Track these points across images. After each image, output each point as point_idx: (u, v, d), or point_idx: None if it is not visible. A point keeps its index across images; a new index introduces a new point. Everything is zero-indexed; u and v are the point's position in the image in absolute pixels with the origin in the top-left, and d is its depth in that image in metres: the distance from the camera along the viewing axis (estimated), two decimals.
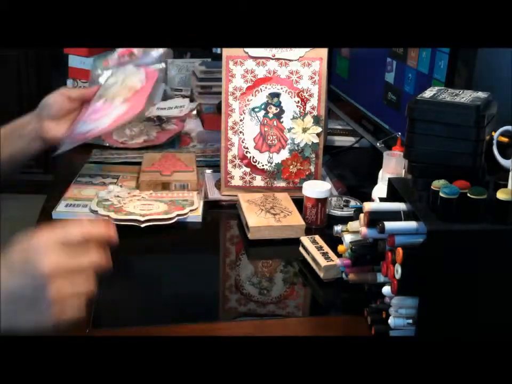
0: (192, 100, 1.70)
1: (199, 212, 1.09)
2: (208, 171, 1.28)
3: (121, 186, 1.16)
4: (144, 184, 1.17)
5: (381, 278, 0.78)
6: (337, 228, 0.86)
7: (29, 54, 2.97)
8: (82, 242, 0.71)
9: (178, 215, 1.05)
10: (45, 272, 0.68)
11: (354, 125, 1.42)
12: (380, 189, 0.99)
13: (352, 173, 1.36)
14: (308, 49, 1.15)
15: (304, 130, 1.16)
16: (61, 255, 0.70)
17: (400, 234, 0.73)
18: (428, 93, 0.79)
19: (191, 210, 1.08)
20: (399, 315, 0.73)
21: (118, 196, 1.11)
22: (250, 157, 1.18)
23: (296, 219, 1.04)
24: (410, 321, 0.72)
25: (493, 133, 0.79)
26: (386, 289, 0.74)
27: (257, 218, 1.03)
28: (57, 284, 0.69)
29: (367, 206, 0.76)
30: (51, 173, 2.23)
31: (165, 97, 1.66)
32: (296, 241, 0.98)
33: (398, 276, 0.71)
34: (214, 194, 1.18)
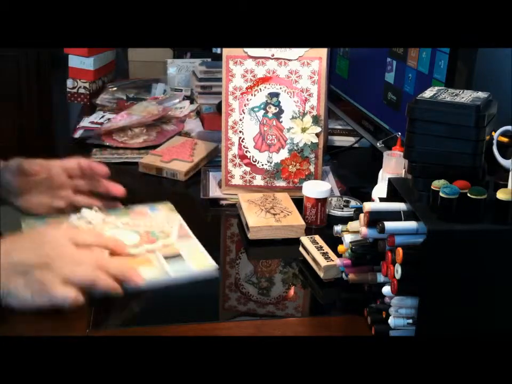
0: (192, 100, 1.70)
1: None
2: (210, 172, 1.28)
3: (96, 211, 0.97)
4: (141, 166, 1.28)
5: (381, 278, 0.78)
6: (337, 228, 0.86)
7: (29, 54, 2.97)
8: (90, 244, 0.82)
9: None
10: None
11: (354, 125, 1.42)
12: (380, 189, 0.99)
13: (352, 173, 1.36)
14: (307, 48, 1.15)
15: (303, 130, 1.16)
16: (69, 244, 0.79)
17: (400, 234, 0.73)
18: (428, 93, 0.79)
19: (163, 245, 0.91)
20: (399, 315, 0.73)
21: (89, 223, 0.95)
22: (250, 156, 1.18)
23: (296, 219, 1.04)
24: (410, 321, 0.72)
25: (493, 133, 0.79)
26: (386, 289, 0.74)
27: (257, 218, 1.03)
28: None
29: (367, 206, 0.76)
30: None
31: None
32: (296, 241, 0.98)
33: (398, 276, 0.71)
34: (215, 192, 1.18)
